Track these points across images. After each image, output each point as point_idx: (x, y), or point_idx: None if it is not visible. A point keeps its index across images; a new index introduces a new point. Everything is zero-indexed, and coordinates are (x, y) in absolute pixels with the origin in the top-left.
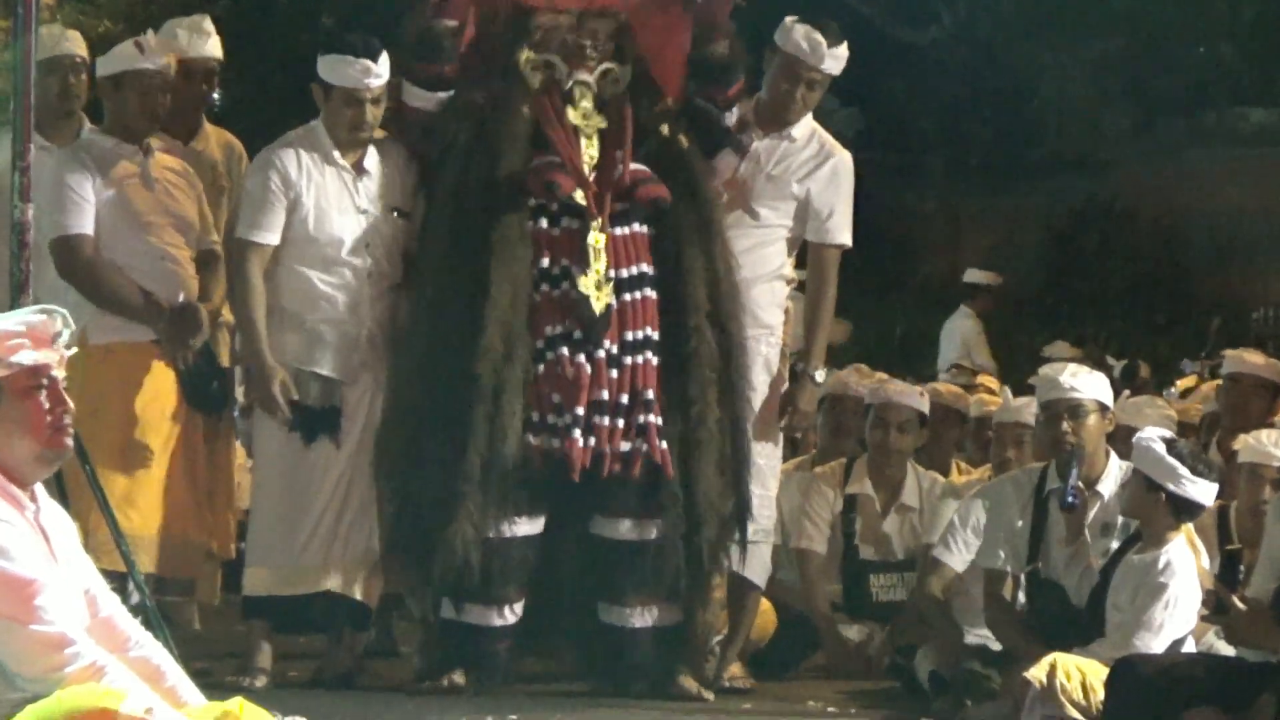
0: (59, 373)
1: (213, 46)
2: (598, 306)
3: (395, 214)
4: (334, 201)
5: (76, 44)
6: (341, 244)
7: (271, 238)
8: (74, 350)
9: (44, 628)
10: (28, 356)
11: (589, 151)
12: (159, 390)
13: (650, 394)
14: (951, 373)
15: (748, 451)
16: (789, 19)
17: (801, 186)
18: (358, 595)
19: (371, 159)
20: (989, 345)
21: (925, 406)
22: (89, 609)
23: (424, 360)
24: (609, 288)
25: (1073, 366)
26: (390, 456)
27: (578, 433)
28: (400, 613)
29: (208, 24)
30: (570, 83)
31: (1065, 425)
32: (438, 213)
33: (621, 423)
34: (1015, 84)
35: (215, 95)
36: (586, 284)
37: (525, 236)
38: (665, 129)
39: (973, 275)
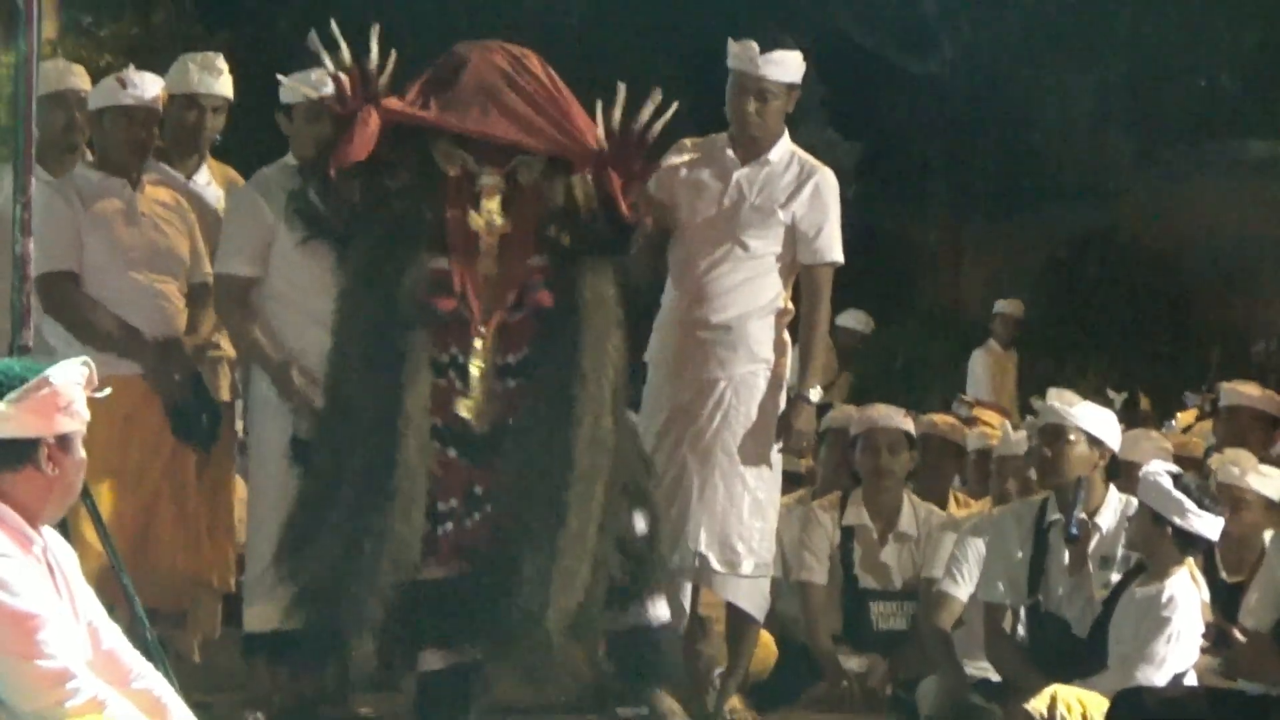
0: (83, 429)
1: (224, 84)
2: (480, 429)
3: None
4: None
5: (80, 78)
6: (322, 271)
7: (252, 270)
8: (106, 391)
9: (47, 662)
10: (61, 427)
11: (487, 261)
12: (147, 423)
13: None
14: (956, 404)
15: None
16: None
17: (786, 212)
18: None
19: None
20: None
21: (911, 428)
22: (91, 642)
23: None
24: (488, 411)
25: (1069, 395)
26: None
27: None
28: None
29: (220, 62)
30: (479, 182)
31: (1047, 450)
32: (351, 288)
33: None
34: (1017, 113)
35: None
36: (468, 407)
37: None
38: (552, 230)
39: (998, 305)
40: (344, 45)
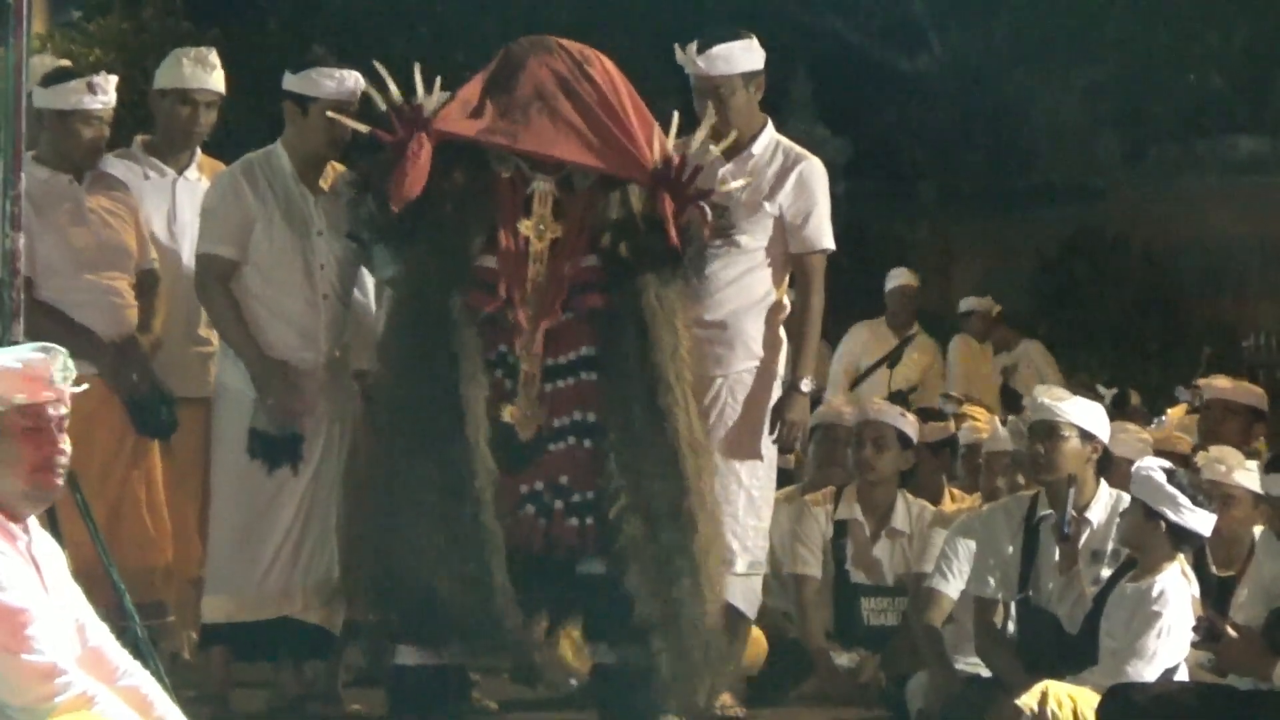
0: (58, 411)
1: (216, 80)
2: (524, 434)
3: (349, 237)
4: (293, 224)
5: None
6: (298, 268)
7: (232, 252)
8: (83, 387)
9: (35, 657)
10: (20, 396)
11: (536, 266)
12: (107, 422)
13: (565, 479)
14: (941, 400)
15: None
16: None
17: (773, 204)
18: (319, 621)
19: (328, 180)
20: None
21: (909, 427)
22: (79, 638)
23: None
24: (534, 415)
25: (1059, 390)
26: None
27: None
28: None
29: (213, 57)
30: (531, 186)
31: (1039, 446)
32: (405, 286)
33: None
34: (1007, 112)
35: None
36: (511, 412)
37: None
38: (606, 237)
39: (966, 303)
40: (391, 83)
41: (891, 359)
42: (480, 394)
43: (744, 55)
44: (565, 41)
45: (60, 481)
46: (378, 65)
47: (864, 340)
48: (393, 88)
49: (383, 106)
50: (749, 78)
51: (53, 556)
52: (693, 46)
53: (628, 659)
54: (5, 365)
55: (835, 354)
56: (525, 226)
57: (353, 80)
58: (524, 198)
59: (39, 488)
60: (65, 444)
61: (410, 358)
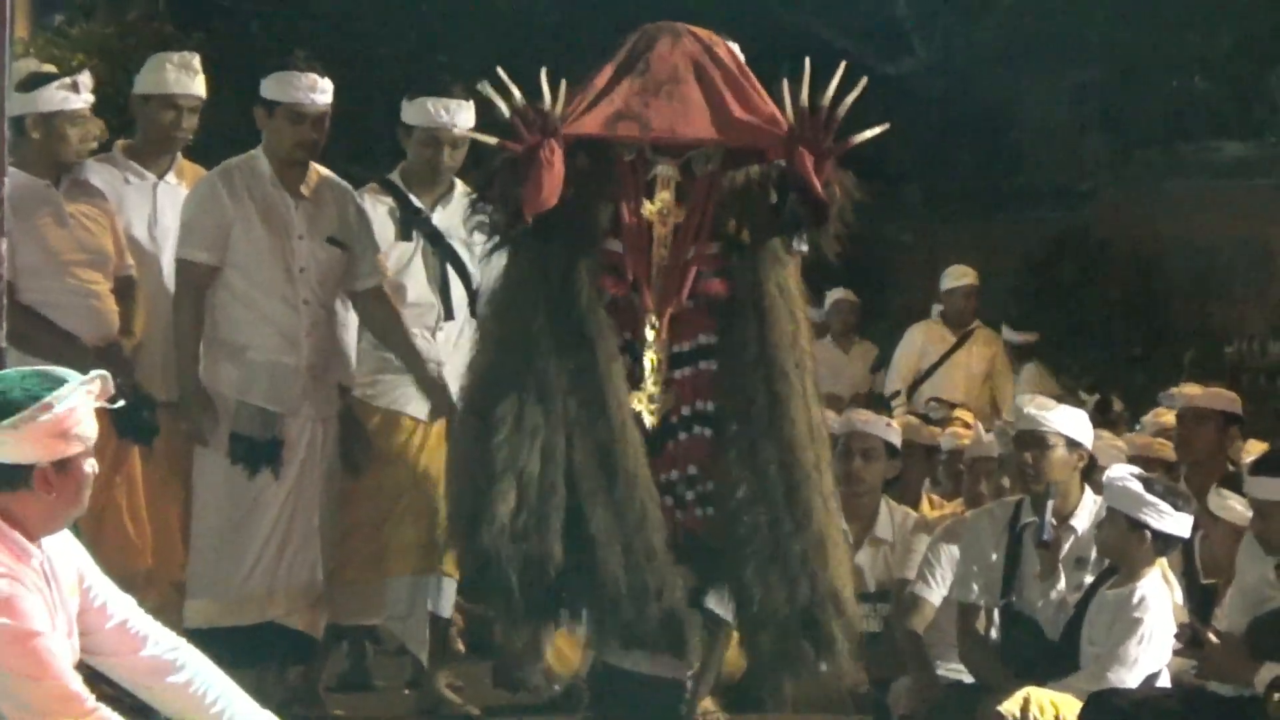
0: (88, 461)
1: (199, 85)
2: (650, 421)
3: (330, 242)
4: (272, 228)
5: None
6: (279, 271)
7: (210, 257)
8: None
9: (61, 683)
10: (90, 429)
11: (660, 250)
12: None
13: (694, 469)
14: (930, 406)
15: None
16: None
17: None
18: (302, 626)
19: (309, 184)
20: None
21: (894, 437)
22: (98, 619)
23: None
24: (661, 402)
25: (1043, 399)
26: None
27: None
28: (377, 645)
29: (196, 62)
30: (653, 170)
31: (1028, 456)
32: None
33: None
34: (992, 114)
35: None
36: (639, 399)
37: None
38: (730, 223)
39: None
40: (515, 89)
41: (952, 354)
42: (621, 374)
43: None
44: (692, 27)
45: (87, 498)
46: (500, 72)
47: (921, 343)
48: (516, 93)
49: (506, 113)
50: None
51: (66, 562)
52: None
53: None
54: (40, 423)
55: (893, 359)
56: (649, 211)
57: (307, 83)
58: (646, 181)
59: (67, 518)
60: (91, 466)
61: (542, 347)
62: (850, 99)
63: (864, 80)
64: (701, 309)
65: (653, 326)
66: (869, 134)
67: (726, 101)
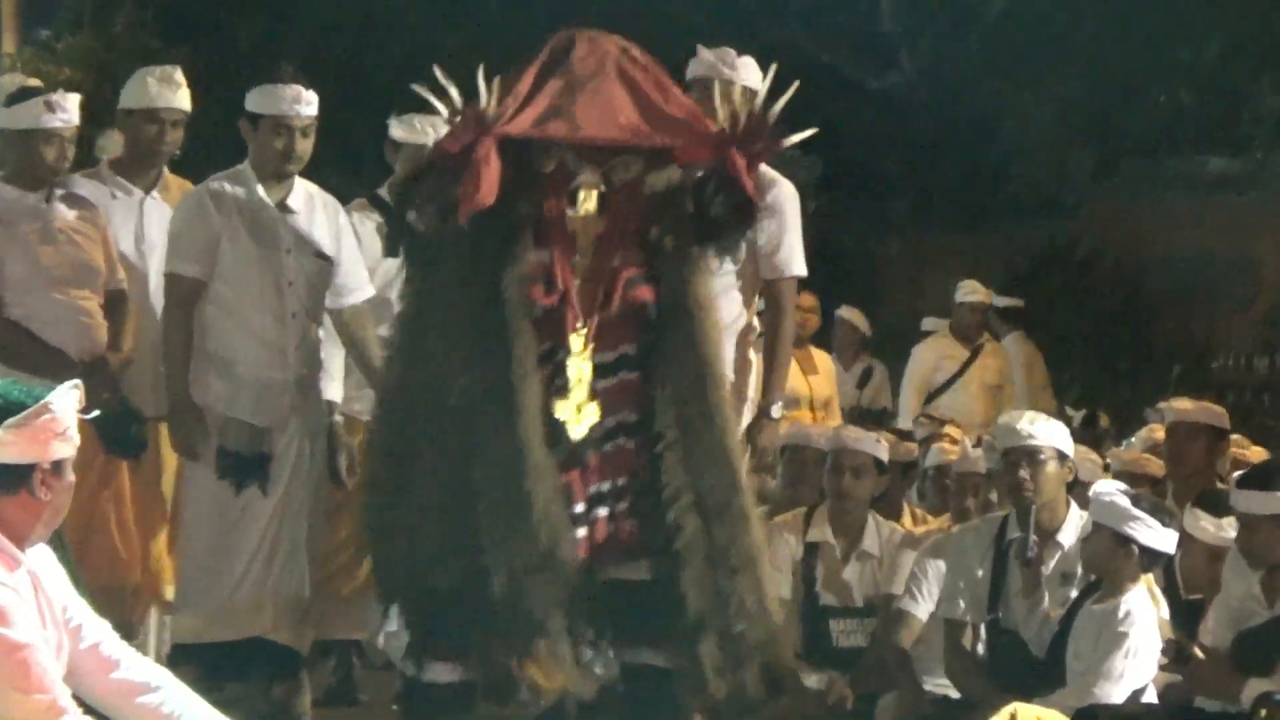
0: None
1: (182, 98)
2: (575, 433)
3: (317, 255)
4: (260, 241)
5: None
6: (267, 285)
7: (198, 271)
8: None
9: (43, 695)
10: (75, 434)
11: (582, 260)
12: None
13: (622, 480)
14: (920, 422)
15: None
16: None
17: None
18: (288, 642)
19: (297, 197)
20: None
21: (883, 453)
22: (72, 640)
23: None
24: (588, 410)
25: (1030, 414)
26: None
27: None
28: (363, 659)
29: (179, 75)
30: (578, 180)
31: (1023, 473)
32: (448, 286)
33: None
34: (978, 127)
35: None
36: (565, 408)
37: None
38: (654, 230)
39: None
40: (453, 89)
41: (966, 369)
42: (536, 390)
43: (754, 71)
44: (605, 33)
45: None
46: (437, 71)
47: (932, 359)
48: (454, 94)
49: (446, 113)
50: (750, 94)
51: (51, 573)
52: (707, 52)
53: (672, 658)
54: (41, 422)
55: (905, 377)
56: (571, 220)
57: (290, 94)
58: (568, 191)
59: (52, 525)
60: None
61: (461, 360)
62: (781, 103)
63: (796, 83)
64: (626, 318)
65: (580, 335)
66: (799, 136)
67: (654, 100)
